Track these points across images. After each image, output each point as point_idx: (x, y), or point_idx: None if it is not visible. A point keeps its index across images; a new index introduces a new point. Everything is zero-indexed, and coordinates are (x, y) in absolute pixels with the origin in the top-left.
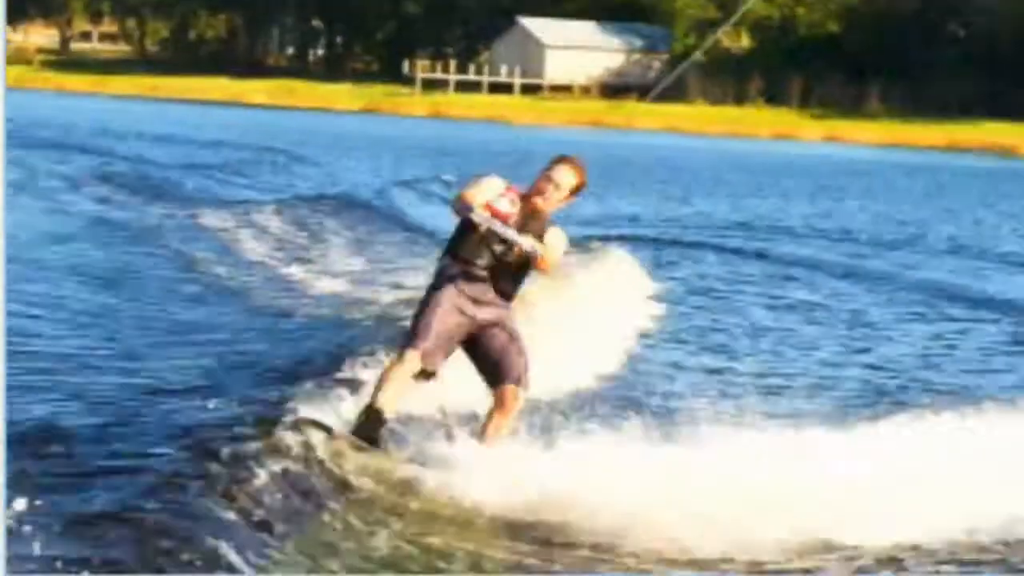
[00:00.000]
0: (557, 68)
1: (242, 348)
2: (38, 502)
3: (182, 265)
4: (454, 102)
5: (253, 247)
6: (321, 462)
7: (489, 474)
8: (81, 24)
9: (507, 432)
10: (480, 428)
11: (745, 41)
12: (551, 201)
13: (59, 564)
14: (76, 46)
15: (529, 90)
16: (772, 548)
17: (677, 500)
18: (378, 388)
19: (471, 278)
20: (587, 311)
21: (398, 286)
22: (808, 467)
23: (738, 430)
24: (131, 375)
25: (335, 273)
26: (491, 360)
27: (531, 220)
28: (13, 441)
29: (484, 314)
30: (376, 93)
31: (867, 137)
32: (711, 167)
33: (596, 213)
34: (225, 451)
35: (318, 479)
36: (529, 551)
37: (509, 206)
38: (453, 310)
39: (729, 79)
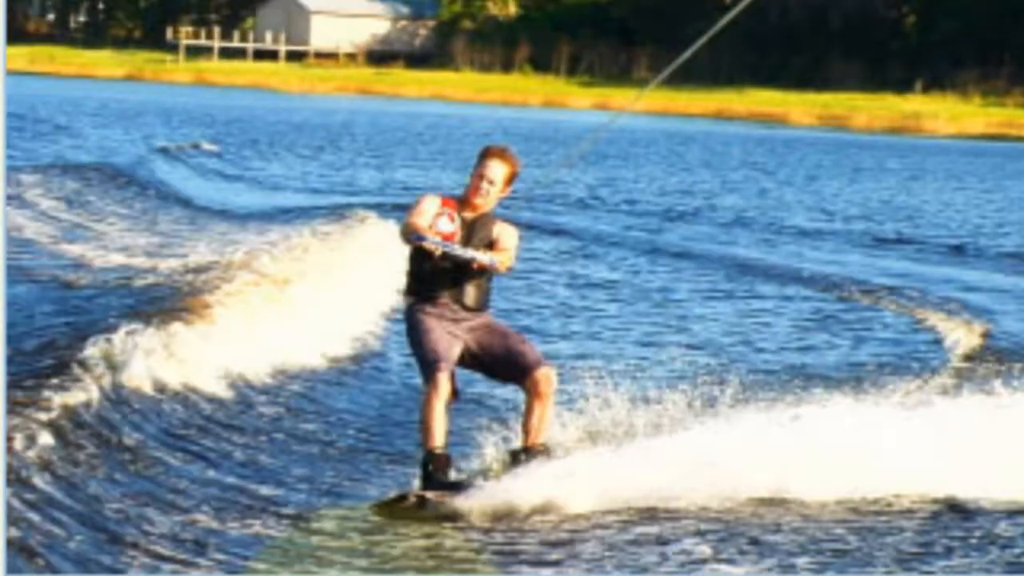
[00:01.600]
0: (323, 35)
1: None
2: None
3: None
4: (218, 69)
5: (23, 223)
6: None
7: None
8: None
9: (551, 419)
10: (523, 426)
11: (512, 8)
12: (490, 197)
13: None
14: None
15: (294, 57)
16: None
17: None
18: (426, 431)
19: (439, 306)
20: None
21: (167, 255)
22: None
23: (576, 417)
24: None
25: (107, 245)
26: (502, 361)
27: (477, 226)
28: None
29: (467, 329)
30: (139, 60)
31: (637, 105)
32: (482, 135)
33: (375, 182)
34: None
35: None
36: None
37: (449, 224)
38: (444, 333)
39: (497, 46)
